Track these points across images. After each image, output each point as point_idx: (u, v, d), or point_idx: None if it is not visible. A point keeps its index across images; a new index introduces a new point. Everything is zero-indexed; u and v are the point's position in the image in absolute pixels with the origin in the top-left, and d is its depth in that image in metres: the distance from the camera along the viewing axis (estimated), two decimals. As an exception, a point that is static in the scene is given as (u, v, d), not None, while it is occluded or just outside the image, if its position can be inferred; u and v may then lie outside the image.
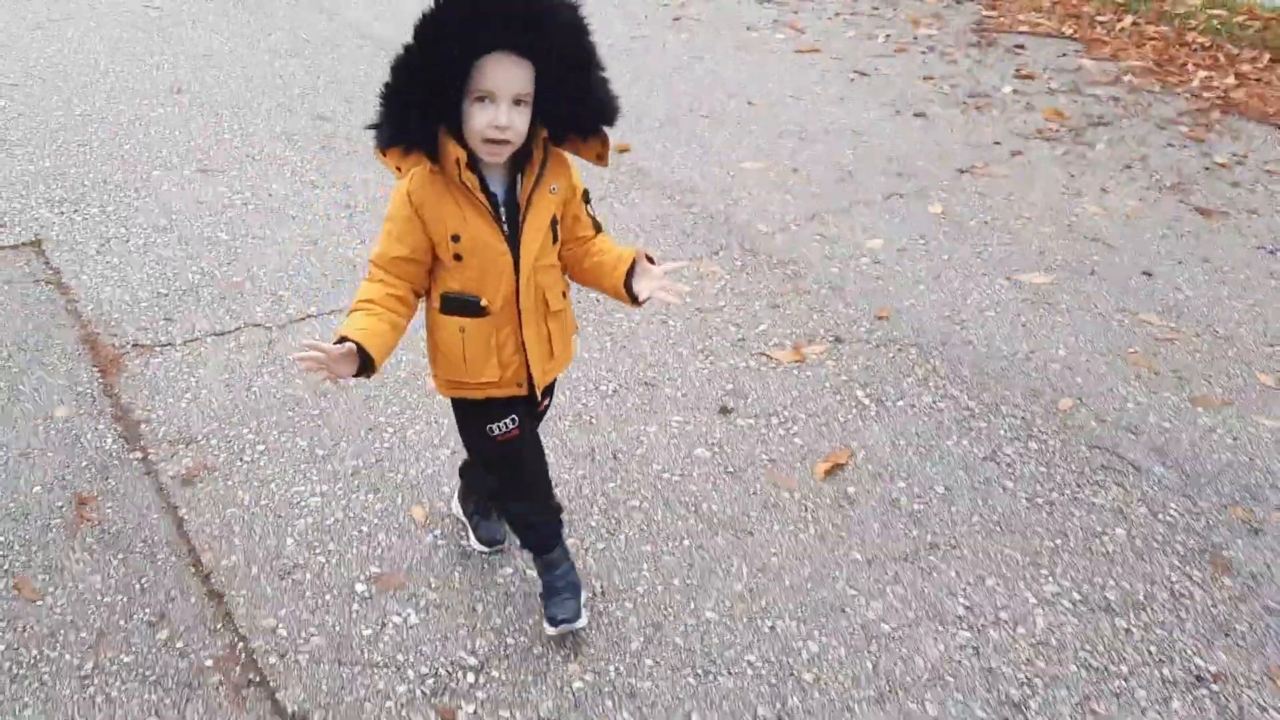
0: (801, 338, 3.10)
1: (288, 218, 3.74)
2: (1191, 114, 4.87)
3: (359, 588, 2.20)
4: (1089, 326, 3.18)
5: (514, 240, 1.74)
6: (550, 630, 2.02)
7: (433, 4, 1.55)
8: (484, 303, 1.76)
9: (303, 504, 2.42)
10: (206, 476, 2.48)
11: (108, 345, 2.96)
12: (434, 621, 2.12)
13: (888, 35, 6.09)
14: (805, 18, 6.46)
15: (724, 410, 2.78)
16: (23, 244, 3.48)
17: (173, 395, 2.76)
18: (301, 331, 3.06)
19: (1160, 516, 2.43)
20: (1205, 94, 5.08)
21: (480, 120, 1.60)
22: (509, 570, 2.25)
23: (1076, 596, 2.21)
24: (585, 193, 1.85)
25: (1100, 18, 6.18)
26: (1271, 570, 2.28)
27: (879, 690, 1.99)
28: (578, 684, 1.99)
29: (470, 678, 2.00)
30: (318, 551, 2.28)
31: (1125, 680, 2.02)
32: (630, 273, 1.80)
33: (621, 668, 2.03)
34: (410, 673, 2.00)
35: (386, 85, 1.61)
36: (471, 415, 1.91)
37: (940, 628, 2.13)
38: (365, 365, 1.67)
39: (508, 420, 1.89)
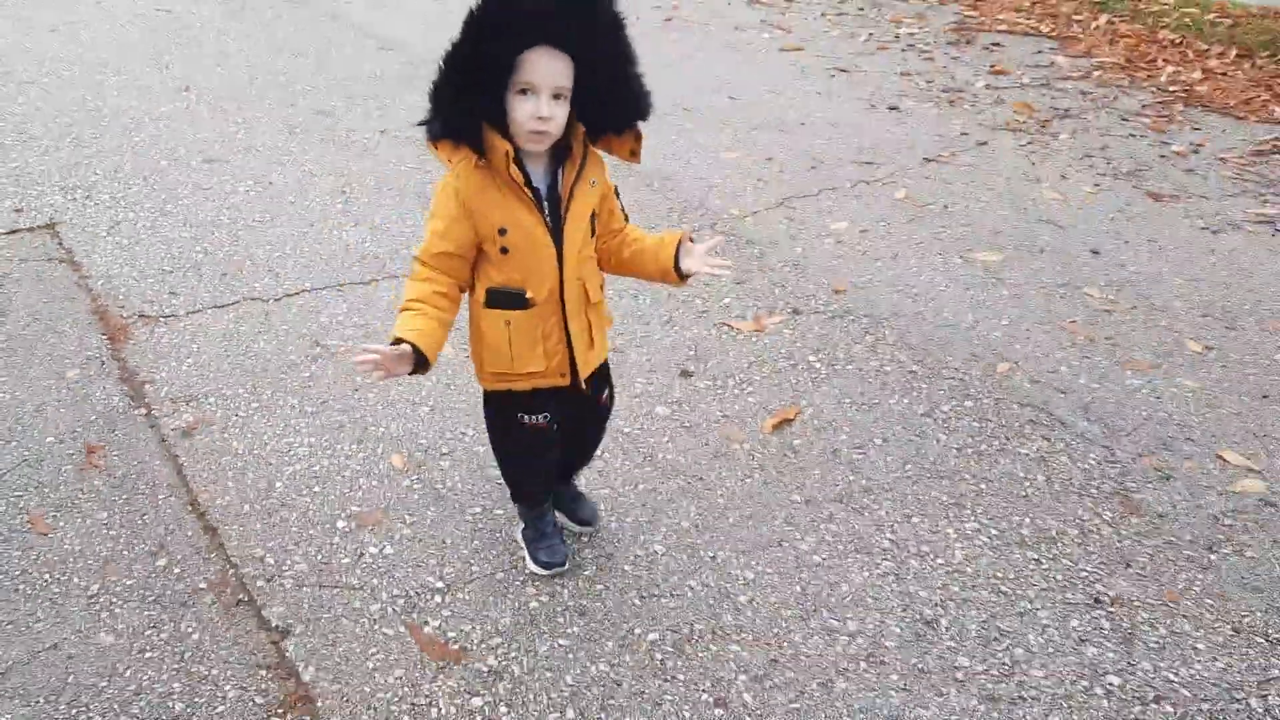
0: (762, 310, 3.31)
1: (286, 203, 3.97)
2: (1155, 106, 5.07)
3: (340, 524, 2.42)
4: (1033, 299, 3.39)
5: (557, 232, 1.82)
6: (539, 571, 2.24)
7: (480, 4, 1.65)
8: (529, 295, 1.84)
9: (291, 453, 2.64)
10: (204, 429, 2.71)
11: (116, 316, 3.19)
12: (406, 552, 2.34)
13: (870, 34, 6.31)
14: (792, 19, 6.68)
15: (685, 374, 2.99)
16: (38, 227, 3.72)
17: (175, 360, 2.99)
18: (297, 305, 3.29)
19: (1079, 465, 2.63)
20: (1171, 88, 5.27)
21: (522, 111, 1.69)
22: (477, 509, 2.47)
23: (994, 532, 2.41)
24: (615, 187, 1.95)
25: (1077, 16, 6.38)
26: (1177, 510, 2.48)
27: (805, 610, 2.20)
28: (534, 604, 2.21)
29: (437, 598, 2.22)
30: (304, 493, 2.51)
31: (1030, 602, 2.22)
32: (677, 253, 1.91)
33: (574, 590, 2.24)
34: (383, 594, 2.22)
35: (435, 81, 1.71)
36: (509, 406, 2.02)
37: (866, 558, 2.34)
38: (419, 363, 1.78)
39: (541, 415, 2.01)
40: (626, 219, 1.98)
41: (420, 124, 1.77)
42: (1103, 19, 6.27)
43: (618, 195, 1.96)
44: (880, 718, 1.96)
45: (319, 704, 1.97)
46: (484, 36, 1.65)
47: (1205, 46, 5.73)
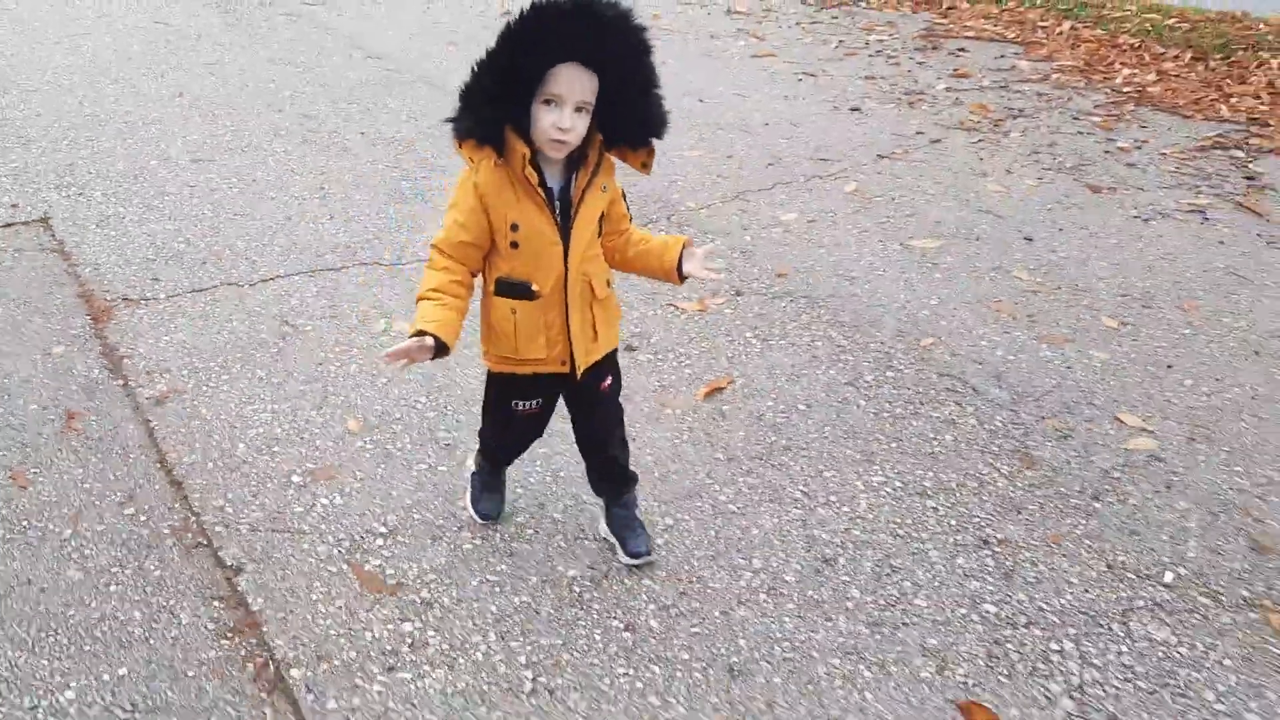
0: (707, 292, 3.52)
1: (267, 198, 4.21)
2: (1107, 106, 5.27)
3: (295, 478, 2.63)
4: (964, 281, 3.58)
5: (565, 231, 1.93)
6: (476, 518, 2.44)
7: (519, 15, 1.74)
8: (535, 287, 1.95)
9: (255, 418, 2.85)
10: (175, 398, 2.93)
11: (100, 299, 3.42)
12: (355, 502, 2.54)
13: (840, 41, 6.53)
14: (767, 28, 6.91)
15: (629, 348, 3.20)
16: (33, 220, 3.96)
17: (153, 337, 3.21)
18: (270, 289, 3.51)
19: (985, 426, 2.82)
20: (1126, 89, 5.47)
21: (546, 120, 1.80)
22: (423, 466, 2.67)
23: (898, 484, 2.61)
24: (622, 190, 2.06)
25: (1042, 23, 6.59)
26: (1070, 465, 2.67)
27: (716, 551, 2.39)
28: (468, 545, 2.41)
29: (379, 541, 2.42)
30: (264, 453, 2.72)
31: (923, 544, 2.41)
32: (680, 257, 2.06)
33: (506, 534, 2.44)
34: (330, 538, 2.43)
35: (467, 84, 1.82)
36: (508, 389, 2.15)
37: (777, 507, 2.53)
38: (440, 349, 1.90)
39: (534, 401, 2.16)
40: (630, 220, 2.11)
41: (447, 120, 1.87)
42: (1066, 25, 6.48)
43: (625, 199, 2.08)
44: (772, 640, 2.15)
45: (264, 629, 2.17)
46: (518, 49, 1.76)
47: (1162, 50, 5.93)
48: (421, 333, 1.88)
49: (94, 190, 4.24)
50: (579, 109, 1.81)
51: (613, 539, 2.37)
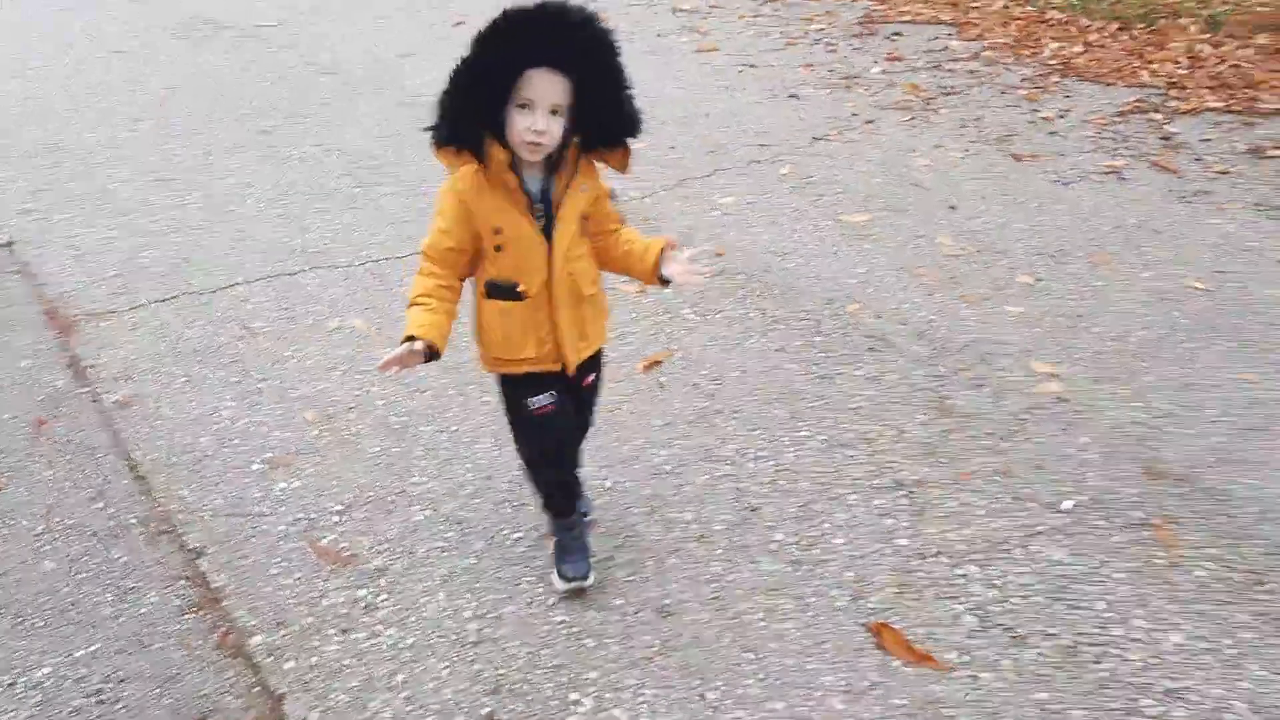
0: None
1: (225, 211, 4.36)
2: (1034, 79, 5.47)
3: (254, 467, 2.78)
4: (890, 250, 3.76)
5: (548, 232, 1.98)
6: (560, 585, 2.27)
7: (490, 22, 1.78)
8: (521, 288, 2.00)
9: (216, 416, 3.00)
10: (139, 401, 3.08)
11: (65, 315, 3.56)
12: (311, 485, 2.70)
13: (781, 32, 6.71)
14: (711, 23, 7.09)
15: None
16: (-1, 245, 4.11)
17: (116, 348, 3.36)
18: (229, 295, 3.66)
19: (905, 380, 3.00)
20: (1052, 61, 5.67)
21: (520, 124, 1.85)
22: (375, 449, 2.83)
23: (822, 438, 2.78)
24: (611, 191, 2.12)
25: (974, 3, 6.79)
26: (982, 411, 2.85)
27: (651, 507, 2.56)
28: (418, 518, 2.57)
29: (335, 518, 2.58)
30: (224, 446, 2.87)
31: (843, 489, 2.58)
32: (660, 259, 2.07)
33: (455, 506, 2.60)
34: (288, 518, 2.58)
35: (444, 92, 1.85)
36: (516, 390, 2.15)
37: (709, 465, 2.70)
38: (431, 354, 1.96)
39: (545, 396, 2.13)
40: (623, 222, 2.14)
41: (426, 129, 1.91)
42: (998, 4, 6.68)
43: (612, 198, 2.12)
44: (700, 582, 2.32)
45: (226, 603, 2.33)
46: (490, 55, 1.80)
47: (1089, 22, 6.13)
48: (411, 338, 1.93)
49: (57, 214, 4.38)
50: (553, 112, 1.85)
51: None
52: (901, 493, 2.56)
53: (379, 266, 3.84)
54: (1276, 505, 2.44)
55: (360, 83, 6.08)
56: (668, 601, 2.27)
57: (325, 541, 2.50)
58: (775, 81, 5.76)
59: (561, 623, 2.23)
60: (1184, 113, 4.78)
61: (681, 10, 7.42)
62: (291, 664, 2.15)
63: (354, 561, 2.43)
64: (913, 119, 5.04)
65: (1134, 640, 2.11)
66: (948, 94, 5.35)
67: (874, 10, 7.02)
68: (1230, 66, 5.22)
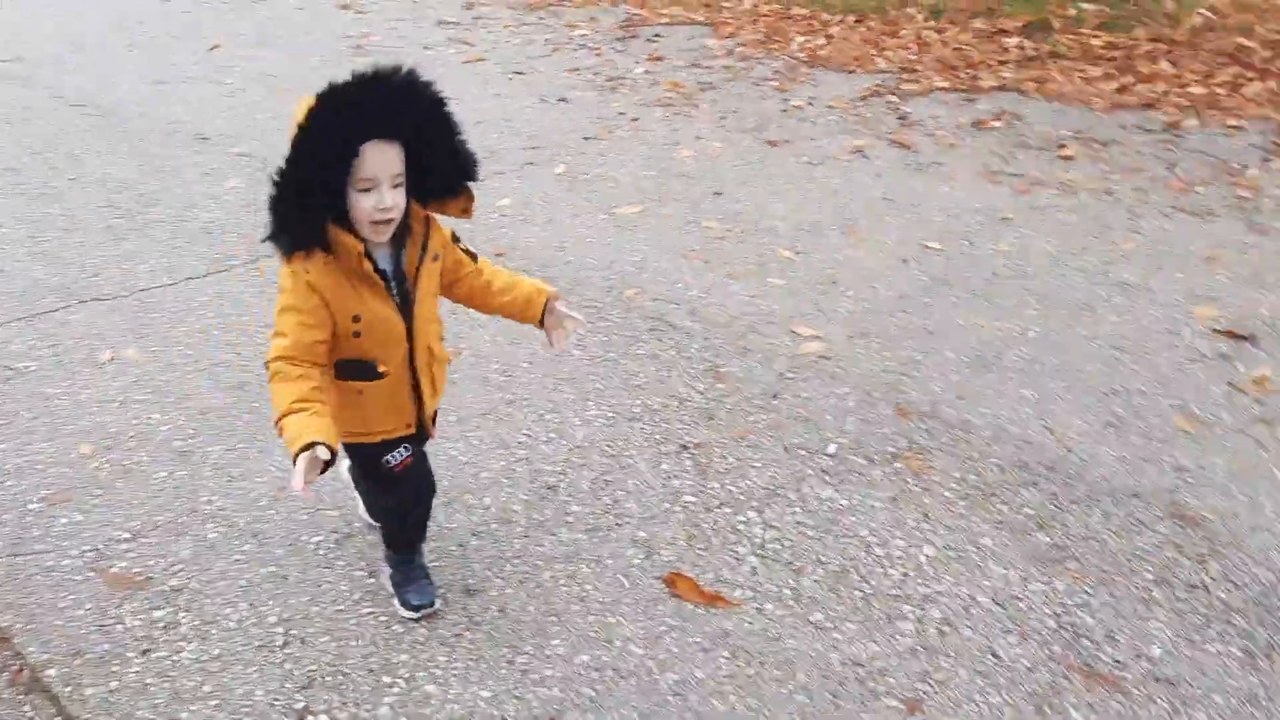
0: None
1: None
2: (784, 71, 5.85)
3: (32, 505, 2.67)
4: (662, 237, 3.97)
5: (407, 310, 1.93)
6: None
7: (306, 115, 1.72)
8: (381, 369, 1.95)
9: (-17, 459, 2.86)
10: (-106, 453, 2.89)
11: None
12: (95, 517, 2.62)
13: (546, 39, 6.89)
14: (477, 34, 7.18)
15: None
16: None
17: None
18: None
19: (682, 354, 3.20)
20: (800, 54, 6.08)
21: (366, 205, 1.78)
22: (162, 474, 2.78)
23: (610, 414, 2.93)
24: (453, 234, 2.06)
25: (726, 3, 7.17)
26: (753, 374, 3.07)
27: (450, 497, 2.63)
28: (212, 535, 2.54)
29: (124, 546, 2.52)
30: (-3, 490, 2.75)
31: (632, 459, 2.74)
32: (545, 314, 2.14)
33: (250, 519, 2.59)
34: (74, 551, 2.50)
35: (274, 196, 1.77)
36: (372, 453, 2.08)
37: (504, 452, 2.80)
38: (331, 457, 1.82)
39: (400, 451, 2.07)
40: (475, 258, 2.10)
41: (265, 239, 1.83)
42: (748, 3, 7.09)
43: (457, 240, 2.07)
44: (503, 559, 2.41)
45: (15, 640, 2.25)
46: (316, 147, 1.73)
47: (829, 17, 6.60)
48: (309, 445, 1.78)
49: None
50: (395, 184, 1.80)
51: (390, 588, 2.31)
52: (686, 455, 2.74)
53: (149, 295, 3.73)
54: (1006, 429, 2.77)
55: (109, 113, 5.82)
56: (472, 581, 2.36)
57: (116, 569, 2.44)
58: (544, 86, 5.92)
59: (369, 614, 2.28)
60: (916, 94, 5.24)
61: (447, 23, 7.48)
62: (92, 690, 2.11)
63: (148, 585, 2.39)
64: (676, 114, 5.30)
65: (895, 558, 2.36)
66: (706, 89, 5.64)
67: (634, 14, 7.30)
68: (953, 50, 5.75)
